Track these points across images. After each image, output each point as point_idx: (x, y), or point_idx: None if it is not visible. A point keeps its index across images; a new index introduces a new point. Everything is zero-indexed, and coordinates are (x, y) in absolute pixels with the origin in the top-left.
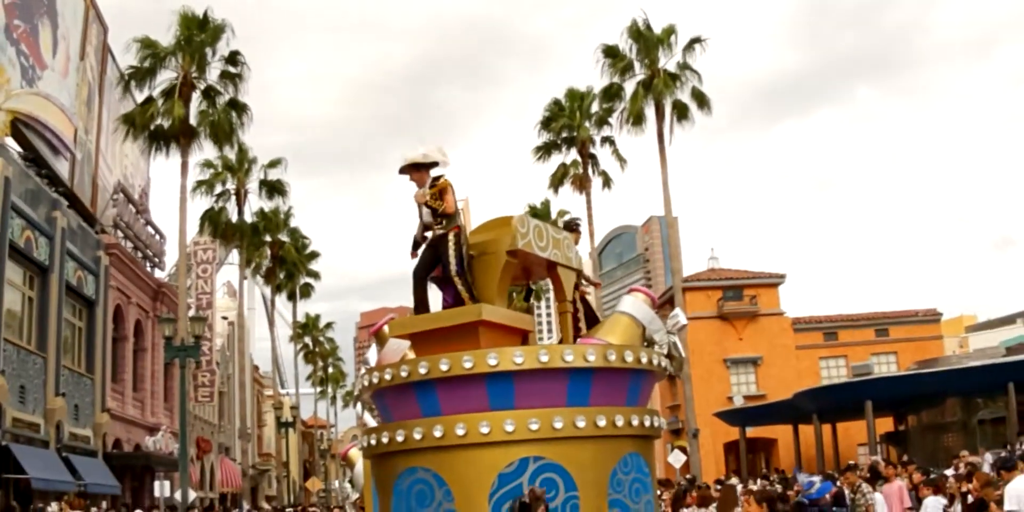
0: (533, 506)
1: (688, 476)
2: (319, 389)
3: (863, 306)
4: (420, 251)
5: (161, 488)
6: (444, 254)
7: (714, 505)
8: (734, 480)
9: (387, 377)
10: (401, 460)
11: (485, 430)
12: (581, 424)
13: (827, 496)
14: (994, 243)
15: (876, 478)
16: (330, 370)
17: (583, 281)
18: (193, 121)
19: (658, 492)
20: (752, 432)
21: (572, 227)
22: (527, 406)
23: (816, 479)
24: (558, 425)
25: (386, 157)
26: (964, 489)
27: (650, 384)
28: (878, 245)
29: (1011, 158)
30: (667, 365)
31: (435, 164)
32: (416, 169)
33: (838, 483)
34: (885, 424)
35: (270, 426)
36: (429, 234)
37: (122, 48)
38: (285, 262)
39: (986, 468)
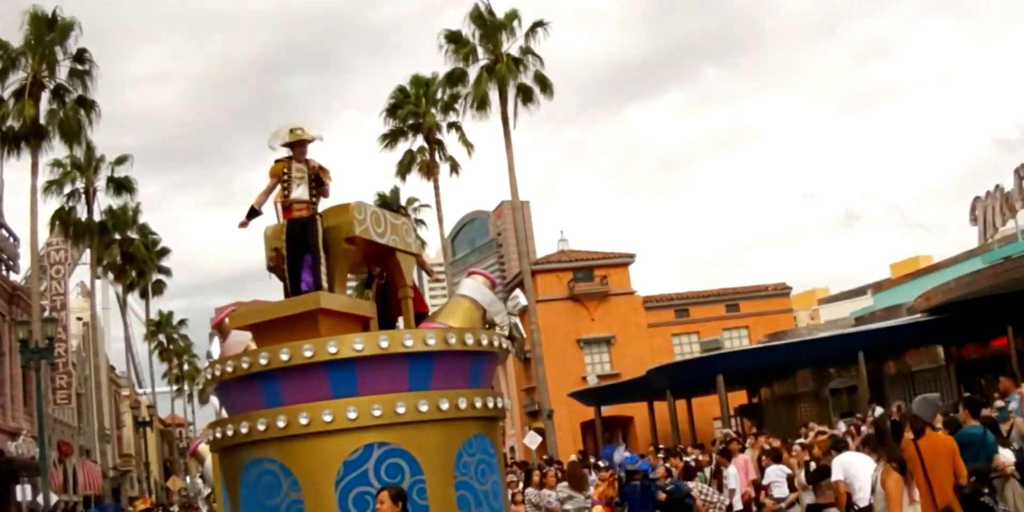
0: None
1: (545, 457)
2: (176, 387)
3: (713, 284)
4: (285, 232)
5: (23, 493)
6: (313, 237)
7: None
8: (573, 457)
9: (228, 369)
10: (246, 452)
11: (328, 418)
12: (424, 408)
13: (660, 470)
14: (839, 219)
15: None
16: (186, 367)
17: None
18: (43, 121)
19: (513, 478)
20: (608, 411)
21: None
22: (370, 392)
23: (621, 452)
24: (401, 410)
25: (235, 151)
26: (807, 458)
27: (492, 366)
28: (728, 224)
29: (853, 134)
30: (508, 346)
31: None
32: (302, 145)
33: (667, 465)
34: (739, 397)
35: (129, 426)
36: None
37: None
38: (135, 259)
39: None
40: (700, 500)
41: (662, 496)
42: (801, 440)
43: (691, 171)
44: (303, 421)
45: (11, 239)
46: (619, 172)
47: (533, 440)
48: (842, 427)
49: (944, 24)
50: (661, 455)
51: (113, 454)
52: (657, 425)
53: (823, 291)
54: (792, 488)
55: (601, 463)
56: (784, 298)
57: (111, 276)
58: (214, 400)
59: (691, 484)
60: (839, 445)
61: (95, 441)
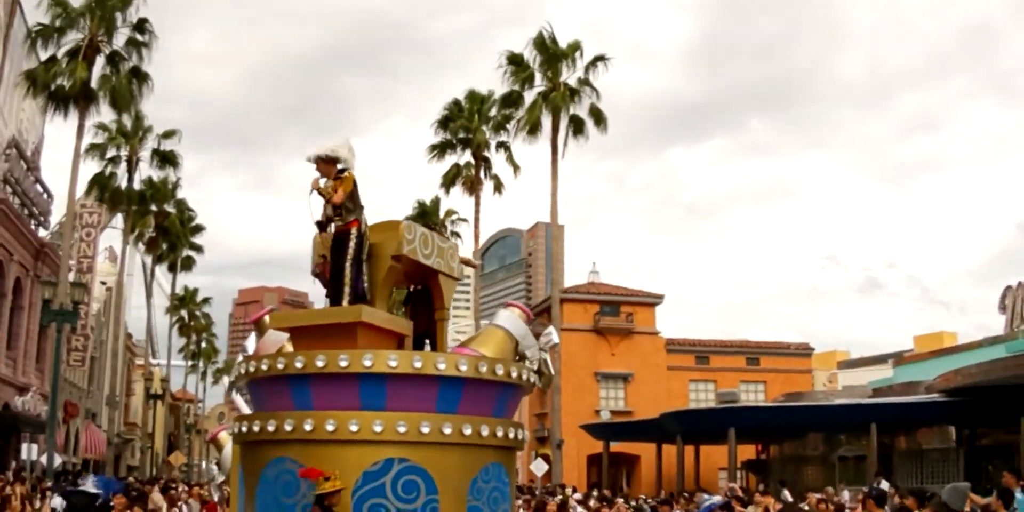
0: None
1: (548, 485)
2: (190, 363)
3: (731, 332)
4: (330, 245)
5: (29, 451)
6: (344, 248)
7: None
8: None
9: (263, 367)
10: (270, 449)
11: (354, 428)
12: (447, 431)
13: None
14: (860, 285)
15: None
16: (203, 345)
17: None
18: (95, 85)
19: (518, 502)
20: (616, 447)
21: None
22: (397, 409)
23: (716, 498)
24: (425, 430)
25: (280, 140)
26: None
27: (517, 397)
28: (752, 275)
29: (885, 203)
30: (536, 380)
31: (341, 162)
32: (324, 162)
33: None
34: (747, 451)
35: (138, 395)
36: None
37: (33, 4)
38: (169, 233)
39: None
40: None
41: None
42: (804, 505)
43: (723, 218)
44: (329, 427)
45: (45, 195)
46: (654, 209)
47: (540, 467)
48: (846, 496)
49: (991, 106)
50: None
51: (119, 421)
52: (663, 468)
53: (843, 354)
54: None
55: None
56: (805, 358)
57: (142, 246)
58: (237, 397)
59: None
60: (923, 497)
61: (102, 406)
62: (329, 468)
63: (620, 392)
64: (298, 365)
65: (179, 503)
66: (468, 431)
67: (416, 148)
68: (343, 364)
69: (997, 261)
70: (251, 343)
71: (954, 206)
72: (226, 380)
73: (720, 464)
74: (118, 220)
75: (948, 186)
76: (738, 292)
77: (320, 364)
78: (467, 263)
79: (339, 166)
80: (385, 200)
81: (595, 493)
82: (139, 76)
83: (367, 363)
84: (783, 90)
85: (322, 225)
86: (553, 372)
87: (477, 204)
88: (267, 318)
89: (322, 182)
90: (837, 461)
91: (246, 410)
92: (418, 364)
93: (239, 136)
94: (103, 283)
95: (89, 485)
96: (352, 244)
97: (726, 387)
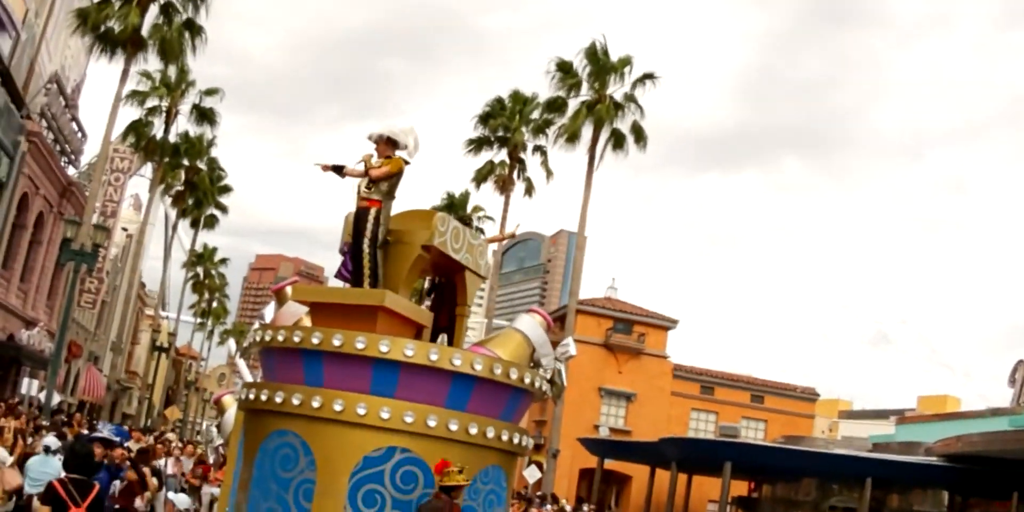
0: None
1: (539, 493)
2: (199, 320)
3: (733, 365)
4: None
5: (29, 386)
6: (362, 227)
7: None
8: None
9: (279, 338)
10: (274, 420)
11: (361, 411)
12: (454, 427)
13: None
14: (870, 337)
15: None
16: (214, 304)
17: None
18: (145, 32)
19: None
20: (610, 465)
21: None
22: (406, 398)
23: None
24: (432, 423)
25: (315, 112)
26: None
27: (526, 404)
28: (765, 310)
29: (905, 258)
30: (547, 390)
31: (401, 147)
32: (386, 142)
33: None
34: (740, 487)
35: (143, 345)
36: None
37: None
38: (197, 189)
39: None
40: None
41: None
42: None
43: (744, 250)
44: (337, 407)
45: (79, 134)
46: (679, 232)
47: (533, 474)
48: None
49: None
50: None
51: (121, 368)
52: (654, 492)
53: (845, 403)
54: None
55: None
56: (809, 403)
57: (168, 199)
58: (240, 361)
59: None
60: None
61: (106, 351)
62: (331, 447)
63: (621, 411)
64: (315, 341)
65: (165, 457)
66: (474, 430)
67: (449, 139)
68: (360, 346)
69: (1008, 332)
70: (269, 311)
71: (973, 271)
72: (232, 342)
73: (710, 496)
74: (147, 170)
75: (969, 250)
76: (747, 326)
77: (337, 343)
78: (498, 239)
79: (397, 152)
80: (410, 185)
81: (585, 507)
82: (192, 29)
83: (383, 348)
84: (821, 132)
85: (339, 169)
86: (565, 384)
87: (506, 204)
88: (289, 289)
89: (373, 160)
90: (827, 510)
91: (247, 376)
92: (434, 357)
93: (274, 102)
94: (124, 229)
95: (106, 432)
96: (370, 225)
97: (728, 420)
